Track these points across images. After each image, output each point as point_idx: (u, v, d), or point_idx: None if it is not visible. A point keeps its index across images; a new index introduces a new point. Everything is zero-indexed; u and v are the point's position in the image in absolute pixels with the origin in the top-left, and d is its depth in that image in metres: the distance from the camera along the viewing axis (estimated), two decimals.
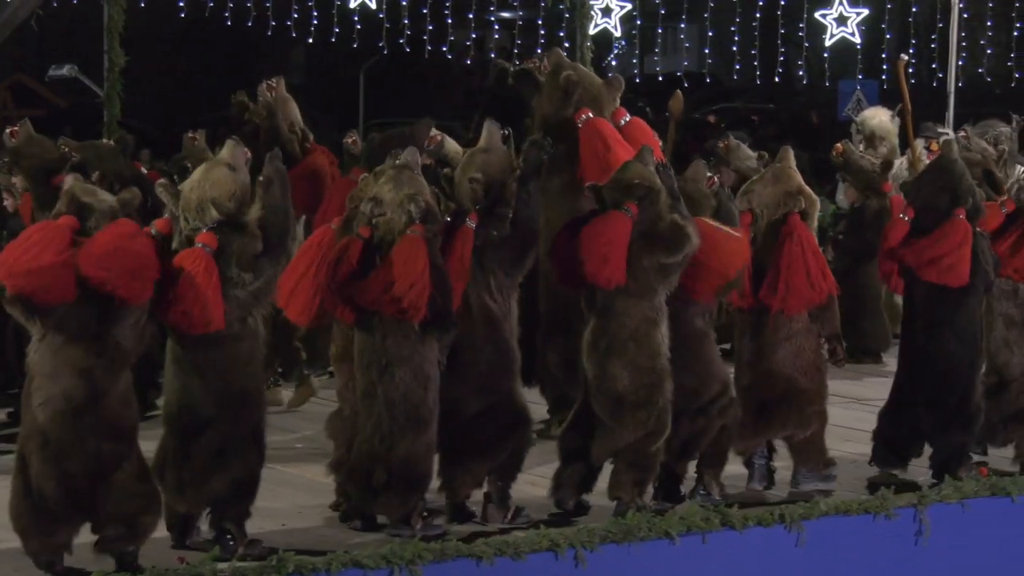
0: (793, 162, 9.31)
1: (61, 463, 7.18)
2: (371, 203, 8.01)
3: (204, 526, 7.87)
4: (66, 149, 10.71)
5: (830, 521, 8.58)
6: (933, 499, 8.89)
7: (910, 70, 19.73)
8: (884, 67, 21.78)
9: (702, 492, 8.86)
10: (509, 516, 8.39)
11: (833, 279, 9.10)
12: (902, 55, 14.05)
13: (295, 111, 11.41)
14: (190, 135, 11.26)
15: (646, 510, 8.32)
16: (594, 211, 8.52)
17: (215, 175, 7.74)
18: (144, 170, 11.29)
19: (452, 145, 10.00)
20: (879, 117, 13.80)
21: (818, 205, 9.36)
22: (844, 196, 14.41)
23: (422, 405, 7.98)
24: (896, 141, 13.62)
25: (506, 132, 8.64)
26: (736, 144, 12.06)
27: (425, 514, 8.11)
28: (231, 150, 7.88)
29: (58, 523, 7.26)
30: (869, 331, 13.19)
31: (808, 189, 9.23)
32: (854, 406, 11.17)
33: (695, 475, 8.91)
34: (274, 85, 11.24)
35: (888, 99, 26.16)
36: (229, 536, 7.72)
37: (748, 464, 9.19)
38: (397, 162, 8.19)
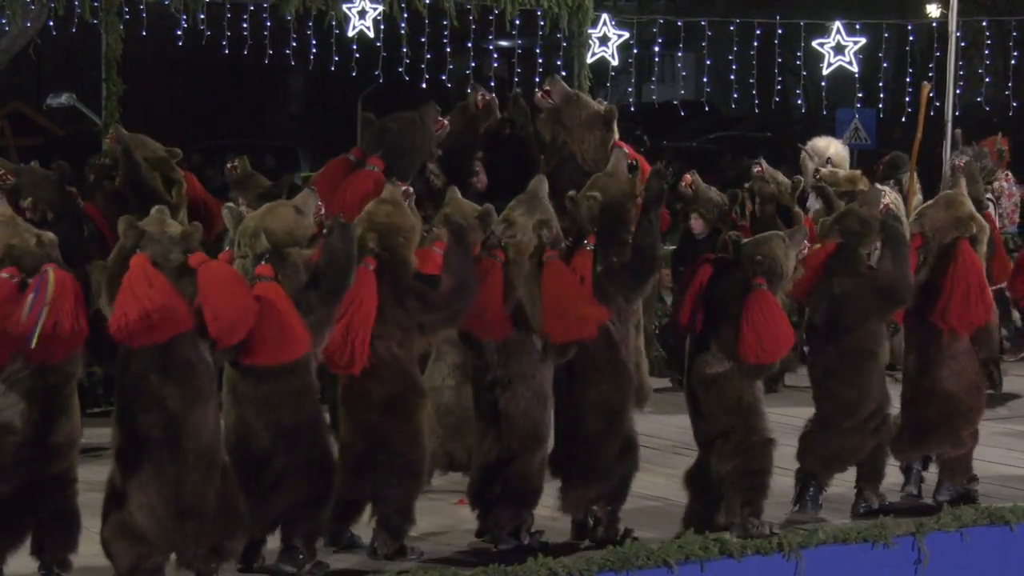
0: (965, 189, 9.62)
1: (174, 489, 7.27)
2: (503, 225, 8.31)
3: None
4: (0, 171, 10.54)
5: (828, 549, 8.58)
6: (932, 527, 8.90)
7: (908, 97, 19.76)
8: (881, 96, 21.78)
9: (863, 504, 9.19)
10: (619, 537, 8.53)
11: (993, 304, 9.42)
12: (926, 83, 14.05)
13: (151, 143, 10.96)
14: (229, 165, 11.08)
15: (761, 531, 8.48)
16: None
17: (279, 211, 7.84)
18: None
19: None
20: (834, 146, 14.03)
21: (987, 231, 9.65)
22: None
23: (540, 423, 8.25)
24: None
25: (633, 163, 8.79)
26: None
27: (533, 531, 8.33)
28: (305, 197, 7.98)
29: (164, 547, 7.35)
30: None
31: (979, 216, 9.52)
32: None
33: (855, 489, 9.27)
34: (115, 133, 10.91)
35: (885, 127, 26.18)
36: (300, 553, 7.78)
37: (907, 470, 9.59)
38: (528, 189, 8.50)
